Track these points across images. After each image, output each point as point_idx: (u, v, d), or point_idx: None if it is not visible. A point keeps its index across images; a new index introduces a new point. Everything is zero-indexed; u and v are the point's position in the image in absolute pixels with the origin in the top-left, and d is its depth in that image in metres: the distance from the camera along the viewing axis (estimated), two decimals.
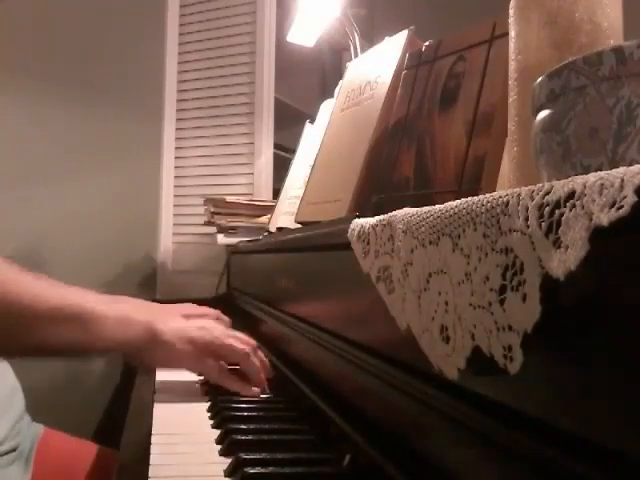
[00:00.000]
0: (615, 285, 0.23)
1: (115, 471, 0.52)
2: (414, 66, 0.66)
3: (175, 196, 2.01)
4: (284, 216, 1.07)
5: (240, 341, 0.79)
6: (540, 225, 0.24)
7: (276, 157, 1.90)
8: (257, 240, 1.21)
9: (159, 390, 0.78)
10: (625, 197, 0.20)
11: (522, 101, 0.42)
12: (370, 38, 1.41)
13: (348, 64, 0.91)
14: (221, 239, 1.55)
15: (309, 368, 0.72)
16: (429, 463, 0.39)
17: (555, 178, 0.30)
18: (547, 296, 0.24)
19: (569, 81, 0.31)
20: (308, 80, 2.37)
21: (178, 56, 2.01)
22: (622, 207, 0.20)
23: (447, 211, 0.33)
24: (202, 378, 0.85)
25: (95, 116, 1.97)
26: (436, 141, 0.58)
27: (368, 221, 0.45)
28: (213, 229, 1.61)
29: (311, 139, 1.09)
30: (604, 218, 0.21)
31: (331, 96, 1.01)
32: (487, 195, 0.29)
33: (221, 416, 0.66)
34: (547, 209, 0.24)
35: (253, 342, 0.81)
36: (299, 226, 0.85)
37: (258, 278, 1.17)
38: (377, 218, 0.43)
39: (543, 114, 0.33)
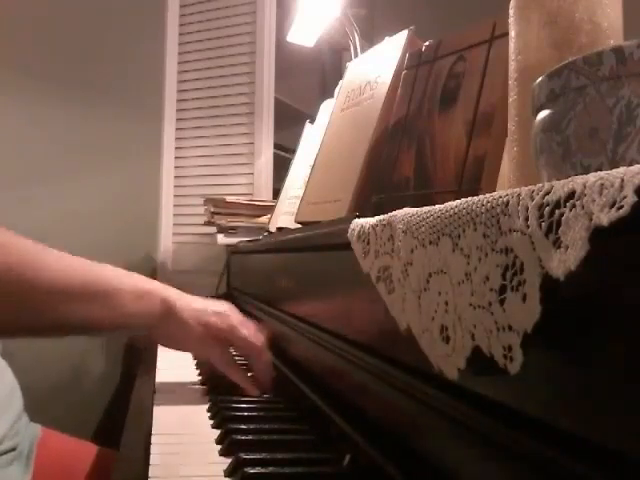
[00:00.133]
0: (615, 285, 0.23)
1: (115, 471, 0.53)
2: (414, 66, 0.66)
3: (175, 196, 2.01)
4: (284, 216, 1.07)
5: (254, 335, 0.77)
6: (540, 225, 0.24)
7: (276, 157, 1.90)
8: (257, 240, 1.21)
9: (159, 390, 0.78)
10: (625, 197, 0.20)
11: (522, 101, 0.42)
12: (370, 38, 1.41)
13: (348, 64, 0.91)
14: (221, 239, 1.55)
15: (309, 368, 0.72)
16: (429, 463, 0.39)
17: (555, 178, 0.30)
18: (547, 296, 0.24)
19: (569, 81, 0.31)
20: (308, 80, 2.38)
21: (178, 56, 2.01)
22: (622, 207, 0.20)
23: (447, 211, 0.33)
24: (202, 378, 0.85)
25: (95, 116, 1.97)
26: (436, 141, 0.58)
27: (368, 221, 0.45)
28: (213, 229, 1.61)
29: (311, 139, 1.09)
30: (604, 218, 0.21)
31: (331, 96, 1.01)
32: (487, 195, 0.29)
33: (221, 416, 0.66)
34: (547, 209, 0.24)
35: (261, 337, 0.80)
36: (299, 226, 0.85)
37: (258, 278, 1.17)
38: (377, 218, 0.43)
39: (543, 114, 0.33)
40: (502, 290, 0.27)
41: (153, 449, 0.56)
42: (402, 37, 0.74)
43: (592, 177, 0.22)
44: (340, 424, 0.54)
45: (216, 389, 0.77)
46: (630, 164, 0.23)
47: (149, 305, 0.71)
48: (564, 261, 0.22)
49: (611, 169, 0.22)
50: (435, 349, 0.34)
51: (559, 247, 0.23)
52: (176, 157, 2.01)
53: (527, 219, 0.25)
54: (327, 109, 1.02)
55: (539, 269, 0.24)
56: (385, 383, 0.46)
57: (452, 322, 0.32)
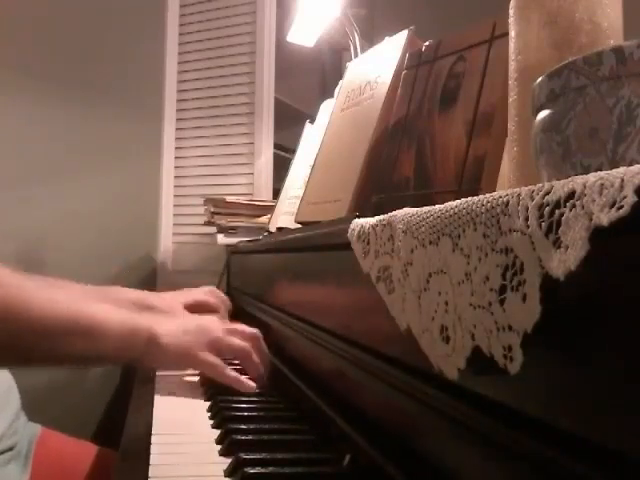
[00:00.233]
0: (615, 285, 0.23)
1: (115, 471, 0.53)
2: (414, 66, 0.66)
3: (175, 196, 2.01)
4: (284, 216, 1.07)
5: (241, 335, 0.80)
6: (540, 225, 0.24)
7: (276, 157, 1.90)
8: (257, 240, 1.21)
9: (159, 390, 0.78)
10: (625, 197, 0.20)
11: (522, 101, 0.42)
12: (370, 38, 1.41)
13: (348, 64, 0.91)
14: (221, 239, 1.55)
15: (309, 368, 0.72)
16: (429, 463, 0.39)
17: (555, 178, 0.30)
18: (547, 296, 0.24)
19: (569, 81, 0.31)
20: (308, 80, 2.37)
21: (178, 56, 2.01)
22: (622, 207, 0.20)
23: (447, 211, 0.33)
24: (202, 378, 0.85)
25: (95, 116, 1.97)
26: (436, 141, 0.58)
27: (368, 221, 0.45)
28: (213, 229, 1.61)
29: (311, 139, 1.09)
30: (604, 218, 0.21)
31: (331, 96, 1.01)
32: (487, 195, 0.29)
33: (221, 416, 0.66)
34: (547, 209, 0.24)
35: (253, 332, 0.82)
36: (299, 226, 0.85)
37: (258, 278, 1.17)
38: (377, 218, 0.43)
39: (543, 114, 0.33)
40: (502, 290, 0.27)
41: (153, 449, 0.56)
42: (402, 37, 0.74)
43: (592, 177, 0.22)
44: (340, 424, 0.54)
45: (216, 389, 0.77)
46: (630, 164, 0.23)
47: (134, 339, 0.73)
48: (564, 261, 0.22)
49: (611, 169, 0.22)
50: (435, 349, 0.34)
51: (559, 247, 0.23)
52: (176, 157, 2.01)
53: (527, 219, 0.25)
54: (327, 109, 1.02)
55: (539, 269, 0.24)
56: (385, 383, 0.46)
57: (452, 322, 0.32)
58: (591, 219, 0.21)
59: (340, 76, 0.94)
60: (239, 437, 0.57)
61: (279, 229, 1.06)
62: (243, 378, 0.75)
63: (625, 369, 0.22)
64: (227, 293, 1.65)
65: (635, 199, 0.20)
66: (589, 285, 0.24)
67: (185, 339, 0.76)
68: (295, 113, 2.02)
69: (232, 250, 1.60)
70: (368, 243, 0.44)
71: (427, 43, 0.66)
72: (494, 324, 0.28)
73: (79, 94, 1.96)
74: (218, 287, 1.71)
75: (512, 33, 0.44)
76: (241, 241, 1.45)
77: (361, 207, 0.66)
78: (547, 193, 0.25)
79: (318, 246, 0.69)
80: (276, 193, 1.35)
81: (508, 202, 0.27)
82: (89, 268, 1.86)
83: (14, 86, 1.91)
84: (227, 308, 1.08)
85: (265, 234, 1.19)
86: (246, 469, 0.49)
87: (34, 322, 0.67)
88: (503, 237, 0.27)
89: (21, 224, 1.88)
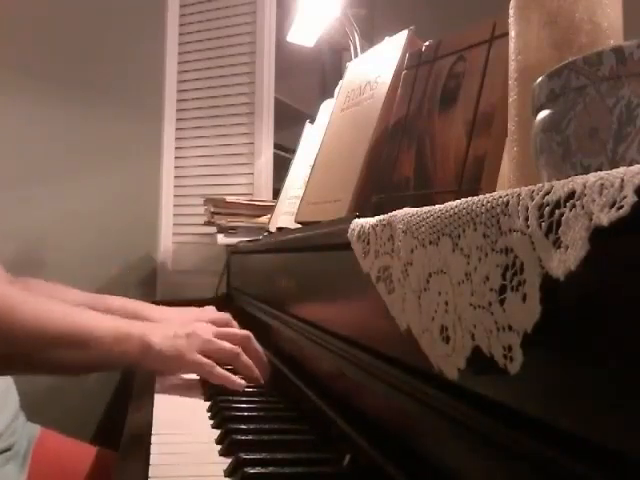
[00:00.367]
0: (615, 285, 0.23)
1: (114, 471, 0.52)
2: (414, 66, 0.66)
3: (175, 196, 2.01)
4: (284, 216, 1.07)
5: (231, 338, 0.82)
6: (540, 225, 0.24)
7: (276, 157, 1.90)
8: (257, 240, 1.21)
9: (159, 390, 0.78)
10: (625, 197, 0.20)
11: (522, 101, 0.42)
12: (370, 38, 1.41)
13: (348, 64, 0.91)
14: (221, 239, 1.55)
15: (309, 368, 0.72)
16: (429, 463, 0.39)
17: (555, 178, 0.30)
18: (547, 296, 0.24)
19: (569, 81, 0.31)
20: (308, 80, 2.37)
21: (178, 56, 2.01)
22: (622, 207, 0.20)
23: (447, 211, 0.33)
24: (202, 378, 0.85)
25: (95, 116, 1.97)
26: (436, 141, 0.58)
27: (368, 221, 0.45)
28: (213, 229, 1.61)
29: (311, 139, 1.09)
30: (604, 218, 0.21)
31: (331, 96, 1.01)
32: (487, 195, 0.29)
33: (221, 416, 0.66)
34: (547, 209, 0.24)
35: (243, 333, 0.85)
36: (299, 226, 0.85)
37: (258, 278, 1.17)
38: (377, 218, 0.43)
39: (543, 114, 0.33)
40: (502, 290, 0.27)
41: (153, 449, 0.56)
42: (402, 37, 0.74)
43: (592, 177, 0.22)
44: (340, 424, 0.54)
45: (216, 389, 0.77)
46: (630, 164, 0.23)
47: (128, 347, 0.75)
48: (564, 261, 0.22)
49: (611, 169, 0.22)
50: (435, 349, 0.34)
51: (559, 247, 0.23)
52: (176, 157, 2.01)
53: (527, 219, 0.25)
54: (327, 109, 1.02)
55: (539, 269, 0.24)
56: (385, 383, 0.46)
57: (452, 322, 0.32)
58: (591, 219, 0.21)
59: (340, 76, 0.94)
60: (239, 437, 0.57)
61: (279, 229, 1.06)
62: (233, 376, 0.76)
63: (625, 369, 0.22)
64: (227, 293, 1.66)
65: (635, 199, 0.20)
66: (589, 285, 0.24)
67: (177, 343, 0.78)
68: (295, 113, 2.02)
69: (232, 250, 1.60)
70: (368, 243, 0.44)
71: (427, 43, 0.66)
72: (494, 324, 0.28)
73: (79, 94, 1.96)
74: (218, 287, 1.72)
75: (512, 33, 0.44)
76: (241, 241, 1.45)
77: (361, 207, 0.66)
78: (547, 193, 0.25)
79: (318, 246, 0.69)
80: (276, 193, 1.35)
81: (508, 202, 0.27)
82: (89, 268, 1.86)
83: (14, 86, 1.91)
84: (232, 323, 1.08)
85: (265, 234, 1.19)
86: (246, 469, 0.49)
87: (30, 332, 0.69)
88: (503, 237, 0.27)
89: (21, 224, 1.88)
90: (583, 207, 0.22)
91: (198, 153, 1.99)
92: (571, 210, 0.23)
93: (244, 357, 0.80)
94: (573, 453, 0.24)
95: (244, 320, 1.13)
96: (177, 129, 2.00)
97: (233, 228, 1.53)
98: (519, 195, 0.26)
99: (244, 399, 0.74)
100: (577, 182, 0.23)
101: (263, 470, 0.49)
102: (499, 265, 0.27)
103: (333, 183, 0.76)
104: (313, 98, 2.06)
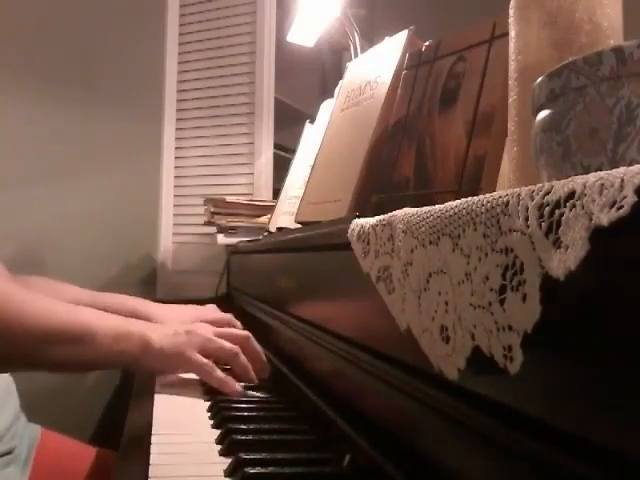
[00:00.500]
0: (615, 285, 0.23)
1: (115, 471, 0.52)
2: (414, 66, 0.66)
3: (175, 196, 2.01)
4: (284, 216, 1.07)
5: (230, 337, 0.82)
6: (540, 225, 0.24)
7: (276, 157, 1.90)
8: (257, 240, 1.21)
9: (159, 390, 0.78)
10: (625, 197, 0.20)
11: (522, 101, 0.42)
12: (370, 38, 1.41)
13: (348, 64, 0.91)
14: (221, 239, 1.55)
15: (309, 368, 0.72)
16: (429, 463, 0.39)
17: (555, 178, 0.30)
18: (547, 296, 0.24)
19: (569, 81, 0.31)
20: (308, 80, 2.37)
21: (178, 56, 2.01)
22: (622, 207, 0.20)
23: (447, 211, 0.33)
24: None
25: (95, 116, 1.97)
26: (436, 141, 0.58)
27: (368, 221, 0.45)
28: (213, 229, 1.61)
29: (311, 139, 1.09)
30: (604, 218, 0.21)
31: (331, 96, 1.01)
32: (487, 195, 0.29)
33: (221, 416, 0.66)
34: (547, 209, 0.24)
35: (242, 333, 0.84)
36: (299, 226, 0.85)
37: (258, 278, 1.17)
38: (377, 218, 0.43)
39: (543, 114, 0.33)
40: (502, 290, 0.27)
41: (153, 449, 0.56)
42: (402, 37, 0.74)
43: (592, 177, 0.22)
44: (340, 424, 0.54)
45: (216, 389, 0.77)
46: (630, 164, 0.23)
47: (128, 345, 0.75)
48: (564, 261, 0.22)
49: (611, 169, 0.22)
50: (435, 349, 0.34)
51: (559, 247, 0.23)
52: (176, 157, 2.01)
53: (527, 219, 0.25)
54: (327, 109, 1.02)
55: (539, 269, 0.24)
56: (385, 383, 0.46)
57: (452, 322, 0.32)
58: (591, 219, 0.21)
59: (340, 76, 0.94)
60: (239, 437, 0.57)
61: (279, 229, 1.06)
62: (232, 381, 0.76)
63: (625, 369, 0.22)
64: (227, 293, 1.66)
65: (635, 199, 0.20)
66: (589, 285, 0.24)
67: (177, 340, 0.77)
68: (295, 113, 2.02)
69: (232, 250, 1.60)
70: (368, 243, 0.44)
71: (427, 43, 0.66)
72: (494, 324, 0.28)
73: (79, 94, 1.96)
74: (218, 287, 1.72)
75: (512, 33, 0.44)
76: (241, 241, 1.45)
77: (361, 207, 0.66)
78: (547, 193, 0.25)
79: (318, 246, 0.69)
80: (276, 193, 1.35)
81: (508, 202, 0.27)
82: (89, 268, 1.86)
83: (14, 86, 1.90)
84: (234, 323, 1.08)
85: (265, 234, 1.19)
86: (246, 469, 0.49)
87: (29, 330, 0.69)
88: (503, 237, 0.27)
89: (21, 224, 1.88)
90: (583, 207, 0.22)
91: (198, 153, 1.99)
92: (571, 210, 0.23)
93: (242, 358, 0.80)
94: (573, 453, 0.24)
95: (244, 320, 1.13)
96: (177, 129, 2.00)
97: (233, 228, 1.53)
98: (519, 195, 0.26)
99: (244, 399, 0.74)
100: (577, 182, 0.23)
101: (263, 470, 0.49)
102: (499, 265, 0.27)
103: (333, 183, 0.76)
104: (313, 98, 2.06)
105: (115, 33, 2.00)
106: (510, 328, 0.26)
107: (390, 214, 0.41)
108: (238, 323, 0.98)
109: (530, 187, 0.26)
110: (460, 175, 0.53)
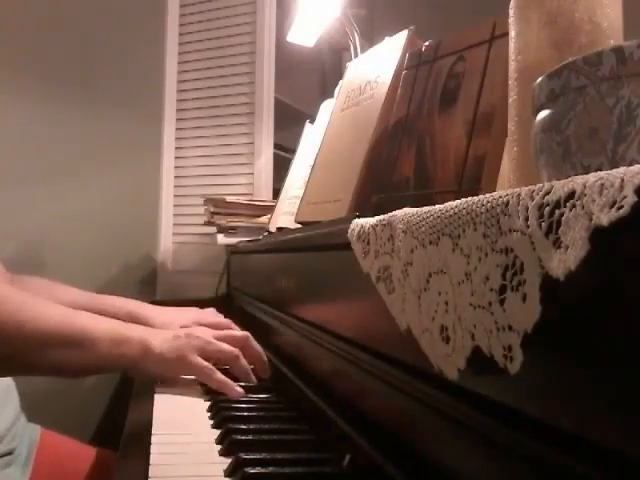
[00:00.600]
0: (615, 285, 0.23)
1: (115, 471, 0.52)
2: (414, 66, 0.66)
3: (175, 196, 2.01)
4: (284, 216, 1.07)
5: (230, 339, 0.82)
6: (540, 225, 0.24)
7: (276, 157, 1.90)
8: (257, 240, 1.21)
9: (159, 390, 0.78)
10: (625, 197, 0.20)
11: (522, 101, 0.42)
12: (370, 38, 1.41)
13: (348, 64, 0.91)
14: (221, 239, 1.55)
15: (309, 368, 0.72)
16: (429, 463, 0.39)
17: (555, 178, 0.30)
18: (547, 296, 0.24)
19: (569, 81, 0.31)
20: (308, 80, 2.37)
21: (178, 56, 2.01)
22: (622, 207, 0.20)
23: (447, 211, 0.33)
24: None
25: (95, 116, 1.97)
26: (436, 141, 0.58)
27: (368, 221, 0.45)
28: (213, 229, 1.61)
29: (311, 139, 1.09)
30: (604, 218, 0.21)
31: (331, 96, 1.01)
32: (487, 195, 0.29)
33: (221, 416, 0.66)
34: (547, 209, 0.24)
35: (242, 335, 0.84)
36: (299, 226, 0.85)
37: (258, 278, 1.17)
38: (377, 218, 0.43)
39: (543, 114, 0.33)
40: (502, 290, 0.27)
41: (153, 449, 0.56)
42: (402, 37, 0.74)
43: (592, 177, 0.22)
44: (340, 424, 0.54)
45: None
46: (630, 164, 0.23)
47: (127, 350, 0.75)
48: (564, 261, 0.22)
49: (611, 169, 0.22)
50: (435, 349, 0.34)
51: (559, 247, 0.23)
52: (176, 157, 2.01)
53: (527, 219, 0.25)
54: (327, 109, 1.02)
55: (539, 269, 0.24)
56: (385, 383, 0.46)
57: (452, 322, 0.32)
58: (591, 219, 0.21)
59: (340, 76, 0.94)
60: (239, 437, 0.57)
61: (279, 229, 1.06)
62: (232, 383, 0.76)
63: (625, 369, 0.22)
64: (227, 293, 1.66)
65: (635, 199, 0.20)
66: (589, 285, 0.24)
67: (177, 345, 0.77)
68: (295, 113, 2.02)
69: (232, 250, 1.60)
70: (368, 243, 0.44)
71: (427, 43, 0.66)
72: (494, 324, 0.28)
73: (79, 94, 1.96)
74: (218, 287, 1.72)
75: (512, 33, 0.44)
76: (241, 241, 1.45)
77: (361, 207, 0.66)
78: (547, 193, 0.25)
79: (318, 246, 0.69)
80: (276, 193, 1.35)
81: (508, 202, 0.27)
82: (89, 268, 1.86)
83: (14, 86, 1.90)
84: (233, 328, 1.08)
85: (265, 234, 1.19)
86: (246, 469, 0.49)
87: (28, 334, 0.69)
88: (503, 237, 0.27)
89: (21, 224, 1.88)
90: (583, 207, 0.22)
91: (198, 153, 1.99)
92: (571, 210, 0.23)
93: (243, 361, 0.80)
94: (573, 453, 0.24)
95: (244, 320, 1.13)
96: (177, 129, 2.00)
97: (233, 228, 1.53)
98: (519, 195, 0.26)
99: (244, 399, 0.74)
100: (577, 182, 0.23)
101: (263, 470, 0.49)
102: (499, 265, 0.27)
103: (333, 183, 0.76)
104: (313, 98, 2.06)
105: (115, 33, 2.00)
106: (510, 328, 0.26)
107: (390, 214, 0.41)
108: (237, 328, 0.98)
109: (530, 187, 0.26)
110: (460, 175, 0.53)
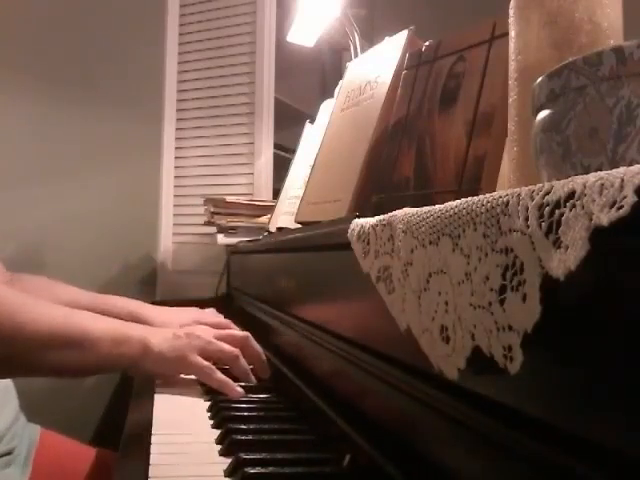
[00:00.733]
0: (615, 285, 0.23)
1: (115, 471, 0.52)
2: (414, 66, 0.66)
3: (175, 196, 2.01)
4: (284, 216, 1.07)
5: (230, 339, 0.82)
6: (540, 225, 0.24)
7: (276, 157, 1.90)
8: (257, 240, 1.21)
9: (159, 390, 0.78)
10: (625, 197, 0.20)
11: (522, 101, 0.42)
12: (370, 38, 1.41)
13: (348, 64, 0.91)
14: (221, 239, 1.55)
15: (309, 368, 0.72)
16: (429, 463, 0.39)
17: (555, 178, 0.30)
18: (547, 296, 0.24)
19: (569, 81, 0.31)
20: (308, 80, 2.37)
21: (178, 56, 2.01)
22: (622, 207, 0.20)
23: (447, 211, 0.33)
24: None
25: (95, 116, 1.97)
26: (436, 141, 0.58)
27: (368, 221, 0.45)
28: (213, 229, 1.61)
29: (311, 139, 1.09)
30: (604, 218, 0.21)
31: (331, 96, 1.01)
32: (487, 195, 0.29)
33: (221, 416, 0.66)
34: (547, 209, 0.24)
35: (242, 335, 0.85)
36: (299, 226, 0.85)
37: (258, 278, 1.17)
38: (377, 218, 0.43)
39: (543, 114, 0.33)
40: (502, 290, 0.27)
41: (153, 449, 0.56)
42: (402, 37, 0.74)
43: (592, 177, 0.22)
44: (340, 424, 0.54)
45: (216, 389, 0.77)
46: (630, 164, 0.23)
47: (127, 349, 0.75)
48: (564, 261, 0.22)
49: (611, 169, 0.22)
50: (435, 349, 0.34)
51: (559, 247, 0.23)
52: (176, 157, 2.01)
53: (527, 219, 0.25)
54: (327, 109, 1.02)
55: (539, 269, 0.24)
56: (385, 383, 0.46)
57: (452, 322, 0.32)
58: (591, 219, 0.21)
59: (340, 76, 0.94)
60: (239, 437, 0.57)
61: (279, 229, 1.06)
62: (232, 383, 0.76)
63: (625, 369, 0.22)
64: (227, 293, 1.66)
65: (635, 199, 0.20)
66: (589, 285, 0.24)
67: (177, 344, 0.77)
68: (295, 113, 2.02)
69: (232, 250, 1.60)
70: (368, 243, 0.44)
71: (427, 43, 0.66)
72: (494, 324, 0.28)
73: (79, 94, 1.96)
74: (218, 287, 1.72)
75: (512, 33, 0.44)
76: (241, 241, 1.45)
77: (361, 207, 0.66)
78: (547, 193, 0.25)
79: (318, 246, 0.69)
80: (276, 193, 1.35)
81: (508, 202, 0.27)
82: (89, 268, 1.86)
83: (14, 86, 1.90)
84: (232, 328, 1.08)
85: (265, 234, 1.19)
86: (246, 469, 0.49)
87: (29, 335, 0.69)
88: (503, 237, 0.27)
89: (21, 224, 1.88)
90: (583, 207, 0.22)
91: (198, 153, 1.99)
92: (571, 210, 0.23)
93: (242, 361, 0.80)
94: (573, 453, 0.24)
95: (244, 320, 1.13)
96: (177, 129, 2.00)
97: (233, 228, 1.53)
98: (519, 195, 0.26)
99: (244, 399, 0.74)
100: (577, 182, 0.23)
101: (263, 470, 0.49)
102: (499, 265, 0.27)
103: (333, 183, 0.76)
104: (313, 98, 2.06)
105: (115, 33, 2.00)
106: (510, 328, 0.26)
107: (390, 214, 0.41)
108: (237, 328, 0.98)
109: (530, 187, 0.26)
110: (460, 175, 0.53)
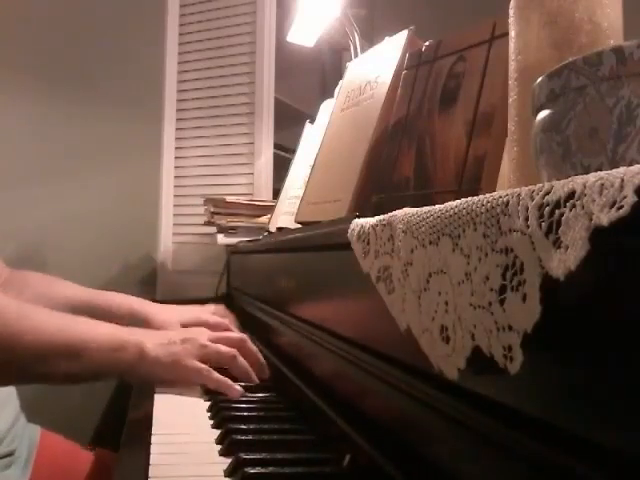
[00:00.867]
0: (615, 285, 0.23)
1: (115, 471, 0.52)
2: (414, 66, 0.66)
3: (175, 196, 2.01)
4: (284, 216, 1.07)
5: (228, 340, 0.82)
6: (540, 225, 0.24)
7: (276, 157, 1.90)
8: (257, 240, 1.21)
9: (159, 390, 0.78)
10: (625, 197, 0.20)
11: (522, 101, 0.42)
12: (370, 38, 1.41)
13: (348, 64, 0.91)
14: (221, 239, 1.55)
15: (309, 368, 0.72)
16: (429, 463, 0.39)
17: (555, 178, 0.30)
18: (547, 296, 0.24)
19: (569, 81, 0.31)
20: (308, 80, 2.37)
21: (178, 56, 2.01)
22: (622, 207, 0.20)
23: (447, 211, 0.33)
24: None
25: (95, 116, 1.97)
26: (436, 141, 0.58)
27: (368, 221, 0.45)
28: (213, 229, 1.61)
29: (311, 139, 1.09)
30: (604, 218, 0.21)
31: (331, 96, 1.01)
32: (487, 195, 0.29)
33: (221, 416, 0.66)
34: (547, 209, 0.24)
35: (239, 336, 0.85)
36: (299, 226, 0.85)
37: (258, 278, 1.17)
38: (377, 218, 0.43)
39: (543, 114, 0.33)
40: (502, 290, 0.27)
41: (153, 449, 0.56)
42: (402, 37, 0.74)
43: (592, 177, 0.22)
44: (340, 424, 0.54)
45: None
46: (630, 164, 0.23)
47: (123, 355, 0.75)
48: (564, 261, 0.22)
49: (611, 169, 0.22)
50: (435, 349, 0.34)
51: (559, 247, 0.23)
52: (176, 157, 2.01)
53: (527, 219, 0.25)
54: (327, 109, 1.02)
55: (539, 269, 0.24)
56: (385, 383, 0.46)
57: (452, 322, 0.32)
58: (591, 219, 0.21)
59: (340, 76, 0.94)
60: (239, 437, 0.57)
61: (279, 229, 1.06)
62: (231, 382, 0.76)
63: (625, 369, 0.22)
64: (227, 293, 1.66)
65: (635, 199, 0.20)
66: (589, 285, 0.24)
67: (173, 349, 0.77)
68: (295, 113, 2.02)
69: (232, 250, 1.60)
70: (368, 243, 0.44)
71: (427, 43, 0.66)
72: (494, 324, 0.28)
73: (79, 94, 1.96)
74: (218, 287, 1.72)
75: (512, 33, 0.44)
76: (241, 241, 1.45)
77: (361, 207, 0.66)
78: (547, 193, 0.25)
79: (318, 246, 0.69)
80: (276, 193, 1.35)
81: (508, 202, 0.27)
82: (89, 268, 1.86)
83: (14, 86, 1.90)
84: (235, 325, 1.08)
85: (265, 234, 1.19)
86: (246, 469, 0.49)
87: (26, 344, 0.69)
88: (503, 237, 0.27)
89: (21, 224, 1.88)
90: (583, 207, 0.22)
91: (198, 153, 1.99)
92: (571, 210, 0.23)
93: (241, 360, 0.80)
94: (573, 453, 0.24)
95: (244, 320, 1.13)
96: (177, 129, 2.00)
97: (233, 228, 1.53)
98: (519, 195, 0.26)
99: (244, 399, 0.74)
100: (577, 182, 0.23)
101: (263, 470, 0.49)
102: (499, 265, 0.27)
103: (333, 183, 0.76)
104: (313, 98, 2.06)
105: (115, 33, 2.00)
106: (510, 328, 0.26)
107: (390, 214, 0.41)
108: (236, 329, 0.98)
109: (530, 187, 0.26)
110: (460, 175, 0.53)
